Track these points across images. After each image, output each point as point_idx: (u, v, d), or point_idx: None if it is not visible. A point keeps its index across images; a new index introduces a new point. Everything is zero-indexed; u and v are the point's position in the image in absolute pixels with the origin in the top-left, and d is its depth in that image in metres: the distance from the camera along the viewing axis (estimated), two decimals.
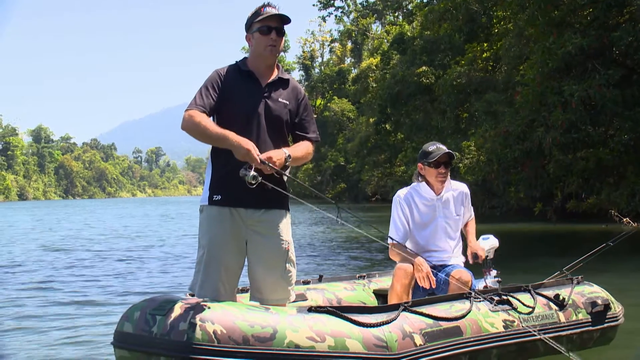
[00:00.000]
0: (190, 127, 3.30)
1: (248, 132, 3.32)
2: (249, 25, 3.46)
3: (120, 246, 15.53)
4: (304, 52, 71.31)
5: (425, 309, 3.54)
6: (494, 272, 4.45)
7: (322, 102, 61.94)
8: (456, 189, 4.46)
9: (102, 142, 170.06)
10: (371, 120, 36.79)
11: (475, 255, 4.40)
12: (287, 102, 3.47)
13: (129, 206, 62.34)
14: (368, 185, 46.79)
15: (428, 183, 4.37)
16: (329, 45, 70.08)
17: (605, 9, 12.81)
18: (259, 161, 3.19)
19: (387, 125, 32.31)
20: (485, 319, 3.71)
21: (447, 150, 4.31)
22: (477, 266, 4.47)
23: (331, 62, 68.76)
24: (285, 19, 3.40)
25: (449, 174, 4.37)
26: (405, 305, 3.50)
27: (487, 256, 4.47)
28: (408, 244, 4.37)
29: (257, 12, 3.42)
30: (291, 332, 3.06)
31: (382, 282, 4.77)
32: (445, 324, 3.52)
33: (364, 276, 4.85)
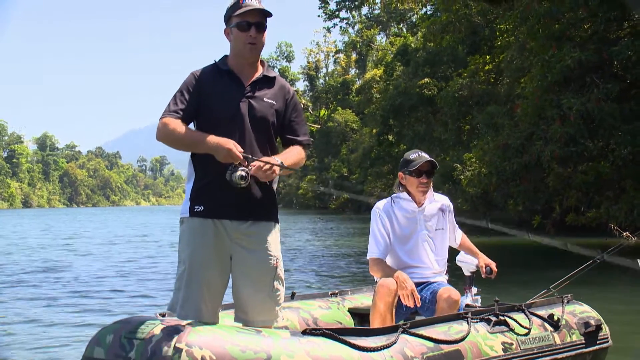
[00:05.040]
0: (165, 136, 3.05)
1: (231, 136, 3.03)
2: (227, 18, 3.14)
3: (78, 261, 14.61)
4: (308, 62, 71.60)
5: (424, 331, 3.32)
6: (474, 290, 4.31)
7: (326, 113, 62.10)
8: (438, 200, 4.18)
9: (107, 151, 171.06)
10: (374, 131, 36.82)
11: (489, 269, 4.17)
12: (274, 102, 3.16)
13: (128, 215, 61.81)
14: (371, 197, 46.76)
15: (409, 193, 4.09)
16: (333, 56, 70.34)
17: (605, 23, 12.87)
18: (241, 157, 2.94)
19: (389, 137, 32.31)
20: (485, 341, 3.51)
21: (429, 159, 4.01)
22: (459, 283, 4.32)
23: (335, 72, 68.97)
24: (266, 13, 3.10)
25: (431, 184, 4.09)
26: (404, 327, 3.28)
27: (473, 272, 4.33)
28: (388, 260, 4.09)
29: (235, 5, 3.10)
30: (287, 358, 2.81)
31: (355, 299, 4.54)
32: (446, 347, 3.29)
33: (336, 293, 4.59)
